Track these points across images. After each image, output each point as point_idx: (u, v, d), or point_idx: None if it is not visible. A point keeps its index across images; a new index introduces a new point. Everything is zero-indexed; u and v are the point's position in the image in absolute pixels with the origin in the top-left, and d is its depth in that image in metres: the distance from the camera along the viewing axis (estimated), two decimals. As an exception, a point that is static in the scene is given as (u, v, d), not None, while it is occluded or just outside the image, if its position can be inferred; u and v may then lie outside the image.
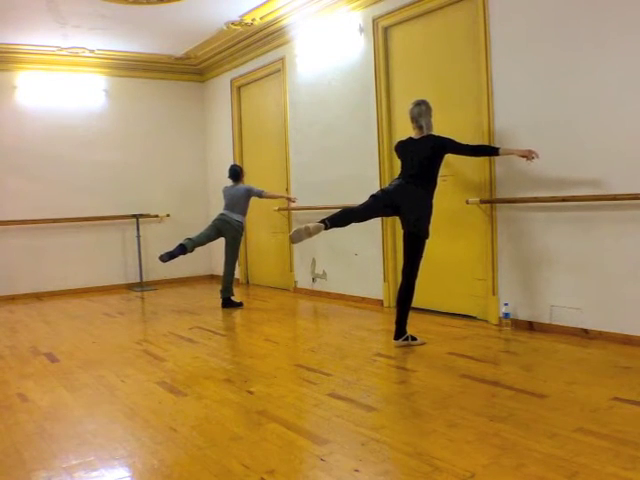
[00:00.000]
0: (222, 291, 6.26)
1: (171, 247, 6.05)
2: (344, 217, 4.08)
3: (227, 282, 6.23)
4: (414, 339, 4.20)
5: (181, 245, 6.06)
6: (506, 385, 3.23)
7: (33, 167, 7.60)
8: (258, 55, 7.41)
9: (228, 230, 6.20)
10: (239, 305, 6.25)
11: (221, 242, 6.40)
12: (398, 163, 5.59)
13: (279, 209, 7.24)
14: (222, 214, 6.28)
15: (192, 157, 8.79)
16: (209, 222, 6.45)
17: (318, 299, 6.54)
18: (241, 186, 6.36)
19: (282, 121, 7.15)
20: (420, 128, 4.20)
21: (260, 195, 6.33)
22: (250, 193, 6.31)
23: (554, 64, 4.20)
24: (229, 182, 6.48)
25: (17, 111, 7.55)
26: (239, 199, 6.26)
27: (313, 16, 6.28)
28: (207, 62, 8.25)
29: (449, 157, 4.46)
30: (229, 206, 6.27)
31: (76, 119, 7.90)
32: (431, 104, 4.25)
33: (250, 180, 8.07)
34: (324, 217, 3.94)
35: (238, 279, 8.11)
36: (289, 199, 6.81)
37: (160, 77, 8.46)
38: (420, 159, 4.12)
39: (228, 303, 6.23)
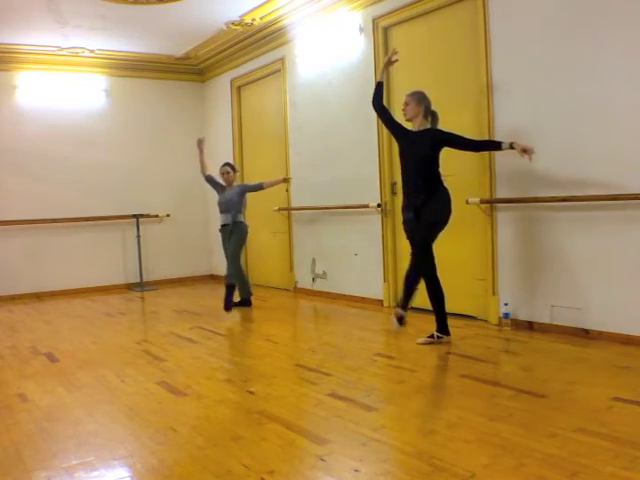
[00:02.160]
0: (247, 291, 6.07)
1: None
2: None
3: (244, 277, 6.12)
4: (440, 337, 4.20)
5: (228, 286, 5.86)
6: (506, 385, 3.23)
7: (33, 167, 7.60)
8: (258, 55, 7.41)
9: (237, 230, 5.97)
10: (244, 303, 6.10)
11: (218, 242, 6.31)
12: (397, 163, 5.62)
13: (279, 209, 7.24)
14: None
15: (192, 157, 8.70)
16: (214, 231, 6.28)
17: (318, 299, 6.54)
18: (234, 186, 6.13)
19: (282, 121, 7.15)
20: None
21: (261, 187, 6.14)
22: (244, 190, 6.10)
23: (554, 64, 4.19)
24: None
25: (17, 111, 7.55)
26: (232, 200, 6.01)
27: (313, 16, 6.28)
28: (207, 62, 8.25)
29: (447, 156, 4.46)
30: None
31: (76, 119, 7.89)
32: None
33: (250, 180, 8.07)
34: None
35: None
36: (285, 180, 6.66)
37: (160, 77, 8.45)
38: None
39: (249, 302, 6.08)
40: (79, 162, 7.89)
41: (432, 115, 4.25)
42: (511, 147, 3.98)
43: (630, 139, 3.80)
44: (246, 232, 6.01)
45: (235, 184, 6.15)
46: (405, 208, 4.29)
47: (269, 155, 7.56)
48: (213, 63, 8.23)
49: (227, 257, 5.98)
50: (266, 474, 2.28)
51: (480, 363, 3.67)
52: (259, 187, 6.15)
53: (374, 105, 4.44)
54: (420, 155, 4.15)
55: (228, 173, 6.08)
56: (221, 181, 6.12)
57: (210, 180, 6.12)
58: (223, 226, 6.03)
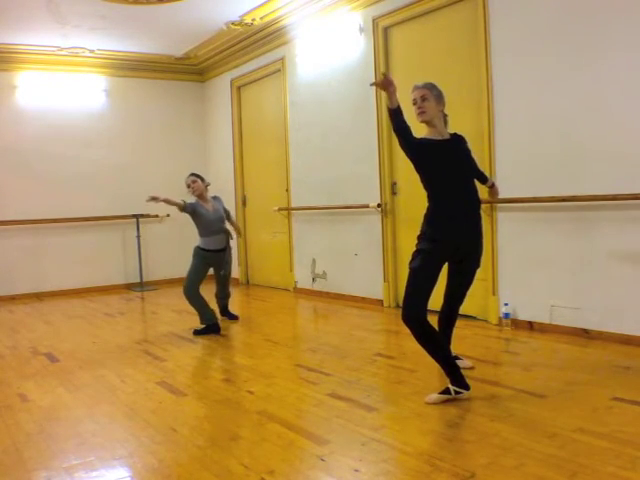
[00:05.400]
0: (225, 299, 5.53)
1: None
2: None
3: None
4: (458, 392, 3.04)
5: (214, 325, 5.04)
6: (506, 385, 3.23)
7: (33, 167, 7.60)
8: (258, 55, 7.41)
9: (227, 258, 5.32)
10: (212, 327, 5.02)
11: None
12: (397, 163, 5.65)
13: (279, 209, 7.24)
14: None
15: (192, 157, 8.78)
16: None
17: (318, 299, 6.54)
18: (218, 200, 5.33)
19: (282, 121, 7.15)
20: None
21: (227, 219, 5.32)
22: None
23: (554, 64, 4.19)
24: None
25: (17, 111, 7.55)
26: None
27: (313, 16, 6.27)
28: (207, 62, 8.25)
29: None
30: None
31: (76, 119, 7.90)
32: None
33: (250, 180, 8.10)
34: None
35: (238, 279, 8.12)
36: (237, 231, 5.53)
37: (160, 77, 8.45)
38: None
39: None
40: (79, 162, 7.89)
41: (444, 116, 3.24)
42: (490, 187, 3.46)
43: (630, 139, 3.80)
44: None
45: (210, 197, 5.23)
46: (436, 239, 3.07)
47: (269, 155, 7.56)
48: (213, 63, 8.23)
49: (219, 283, 5.41)
50: (266, 474, 2.28)
51: (480, 363, 3.67)
52: (227, 216, 5.32)
53: (402, 129, 3.05)
54: (468, 170, 3.21)
55: (194, 182, 5.05)
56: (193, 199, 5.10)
57: (186, 208, 4.99)
58: (216, 251, 5.10)
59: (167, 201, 4.90)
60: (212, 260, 5.15)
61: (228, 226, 5.31)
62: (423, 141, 3.13)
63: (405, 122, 3.04)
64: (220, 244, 5.11)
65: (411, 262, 3.10)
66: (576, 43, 4.05)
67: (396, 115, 3.02)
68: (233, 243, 5.55)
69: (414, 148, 3.10)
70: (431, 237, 3.08)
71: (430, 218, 3.14)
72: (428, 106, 3.08)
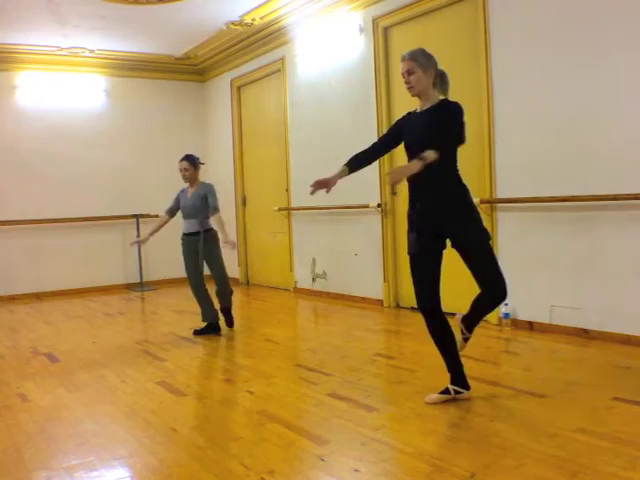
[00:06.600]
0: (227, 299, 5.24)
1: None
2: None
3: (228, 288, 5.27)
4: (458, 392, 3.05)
5: (227, 309, 5.16)
6: (506, 385, 3.24)
7: (33, 167, 7.60)
8: (258, 55, 7.41)
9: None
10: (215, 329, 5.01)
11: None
12: (397, 163, 5.64)
13: (279, 209, 7.24)
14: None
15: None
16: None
17: (318, 299, 6.53)
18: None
19: (282, 121, 7.15)
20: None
21: (214, 213, 5.00)
22: (208, 193, 5.02)
23: (554, 64, 4.19)
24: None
25: (17, 111, 7.55)
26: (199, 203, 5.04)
27: (313, 16, 6.27)
28: (207, 62, 8.25)
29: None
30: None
31: (76, 119, 7.90)
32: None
33: (250, 180, 8.10)
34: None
35: (238, 279, 8.11)
36: (228, 242, 4.90)
37: (160, 77, 8.45)
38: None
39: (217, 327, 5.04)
40: (79, 162, 7.89)
41: (440, 77, 3.00)
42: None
43: (630, 139, 3.80)
44: (219, 239, 5.08)
45: (200, 182, 5.11)
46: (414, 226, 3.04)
47: (269, 155, 7.56)
48: (213, 63, 8.23)
49: (214, 279, 5.26)
50: (266, 474, 2.28)
51: (480, 363, 3.67)
52: (213, 210, 4.98)
53: (375, 156, 3.23)
54: (421, 141, 2.88)
55: (186, 170, 5.02)
56: (177, 195, 5.22)
57: (173, 211, 5.22)
58: (188, 235, 5.05)
59: (153, 233, 5.27)
60: (191, 244, 5.06)
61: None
62: (400, 119, 3.14)
63: (366, 159, 3.14)
64: (190, 228, 5.03)
65: (408, 248, 3.08)
66: (576, 43, 4.05)
67: (355, 169, 3.11)
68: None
69: (390, 136, 3.17)
70: (410, 214, 3.06)
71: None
72: (415, 80, 2.92)
